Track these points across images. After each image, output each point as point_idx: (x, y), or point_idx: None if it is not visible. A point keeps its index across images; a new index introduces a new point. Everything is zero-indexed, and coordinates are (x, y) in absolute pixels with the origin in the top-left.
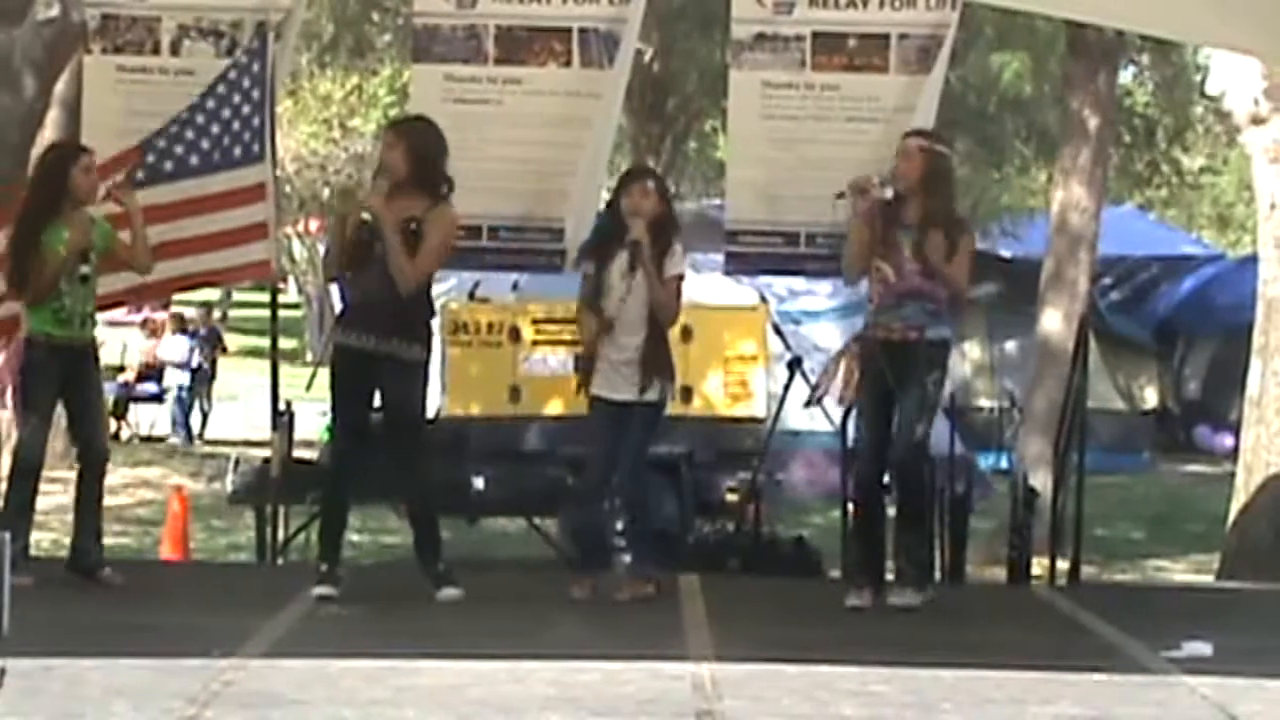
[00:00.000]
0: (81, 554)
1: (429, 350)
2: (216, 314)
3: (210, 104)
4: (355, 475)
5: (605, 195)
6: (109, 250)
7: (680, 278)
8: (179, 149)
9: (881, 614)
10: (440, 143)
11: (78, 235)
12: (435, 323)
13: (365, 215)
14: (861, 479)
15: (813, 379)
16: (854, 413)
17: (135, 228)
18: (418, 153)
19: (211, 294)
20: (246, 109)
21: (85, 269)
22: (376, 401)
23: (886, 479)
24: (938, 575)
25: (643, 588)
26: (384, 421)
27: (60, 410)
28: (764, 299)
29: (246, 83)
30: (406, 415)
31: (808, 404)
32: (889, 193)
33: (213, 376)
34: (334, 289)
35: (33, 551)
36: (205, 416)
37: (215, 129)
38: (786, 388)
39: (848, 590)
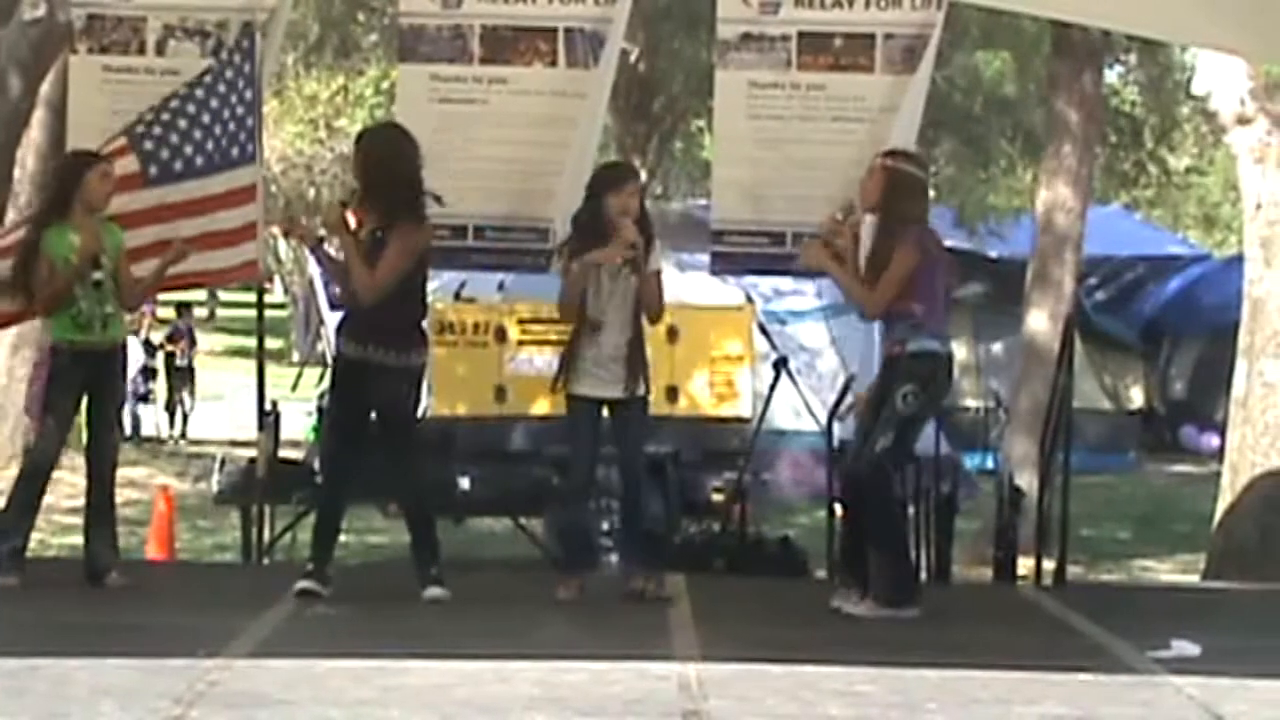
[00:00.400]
0: (90, 558)
1: (423, 355)
2: (204, 312)
3: (213, 103)
4: (350, 478)
5: None
6: (119, 254)
7: (659, 272)
8: (188, 149)
9: (867, 615)
10: (395, 148)
11: (89, 241)
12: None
13: (320, 233)
14: (847, 480)
15: (799, 379)
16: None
17: (154, 275)
18: (368, 162)
19: (197, 294)
20: (240, 109)
21: (98, 275)
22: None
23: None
24: (924, 576)
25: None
26: (377, 424)
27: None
28: (750, 299)
29: (240, 83)
30: (400, 419)
31: (841, 418)
32: (866, 219)
33: (191, 376)
34: (319, 291)
35: None
36: (186, 416)
37: (217, 129)
38: (772, 388)
39: (833, 591)
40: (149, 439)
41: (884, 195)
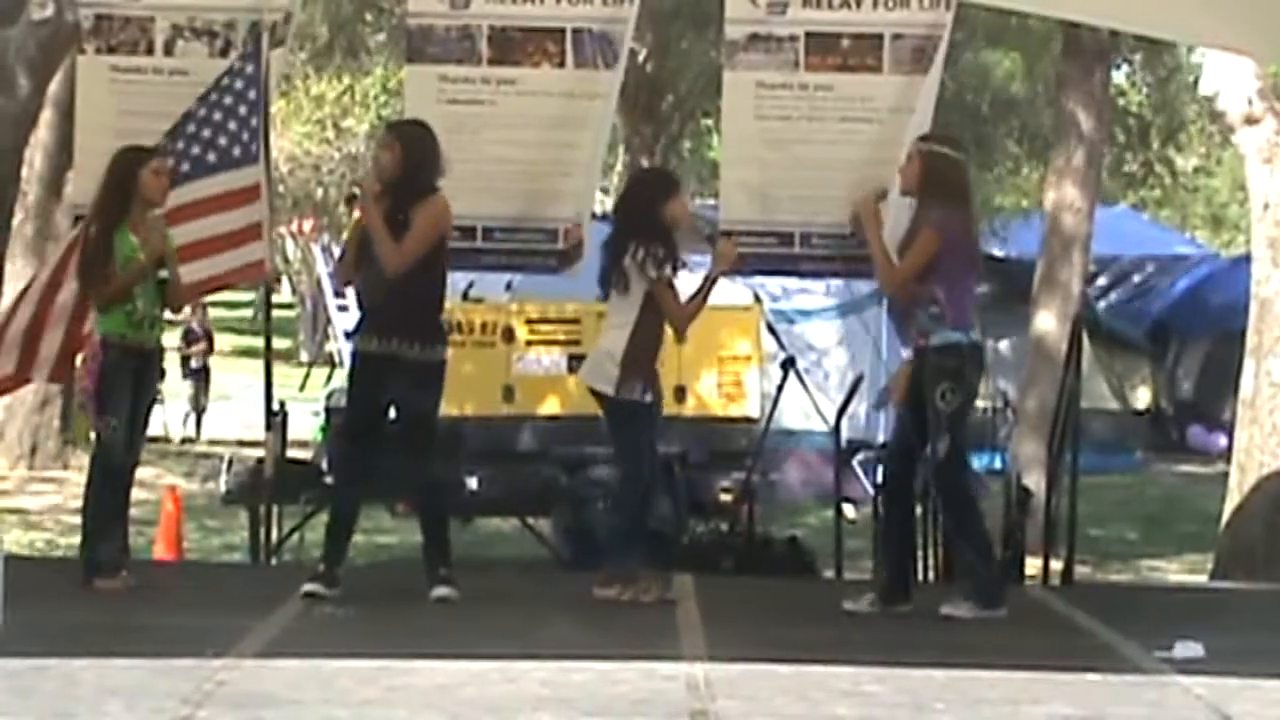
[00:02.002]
0: None
1: (444, 350)
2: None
3: (208, 107)
4: (366, 478)
5: (600, 195)
6: (172, 256)
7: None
8: (195, 149)
9: (875, 614)
10: (431, 150)
11: (156, 241)
12: None
13: (356, 190)
14: (882, 479)
15: (807, 378)
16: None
17: (171, 268)
18: (410, 157)
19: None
20: (244, 109)
21: (163, 273)
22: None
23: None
24: (931, 576)
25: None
26: (397, 422)
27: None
28: (758, 298)
29: (239, 84)
30: (419, 413)
31: (877, 406)
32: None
33: (206, 377)
34: (327, 292)
35: (26, 552)
36: (200, 416)
37: (222, 129)
38: (780, 387)
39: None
40: (155, 439)
41: (921, 180)
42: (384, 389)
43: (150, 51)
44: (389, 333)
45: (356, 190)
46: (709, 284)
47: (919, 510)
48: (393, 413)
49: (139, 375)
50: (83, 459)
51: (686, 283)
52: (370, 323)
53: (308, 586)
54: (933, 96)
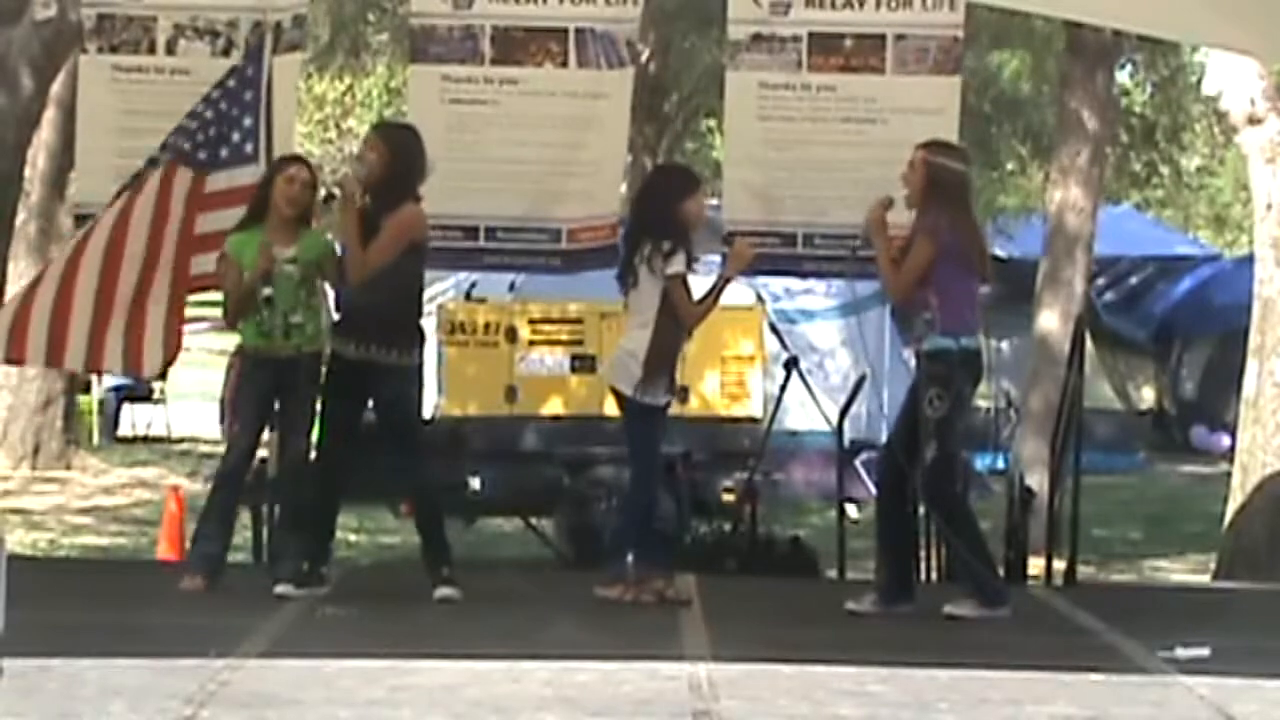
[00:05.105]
0: (273, 561)
1: (421, 354)
2: None
3: (210, 106)
4: (344, 477)
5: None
6: (319, 264)
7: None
8: (195, 149)
9: (878, 615)
10: (414, 156)
11: (262, 256)
12: (431, 323)
13: (334, 190)
14: (882, 479)
15: (810, 379)
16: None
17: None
18: (395, 163)
19: None
20: (245, 110)
21: (267, 290)
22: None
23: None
24: (933, 576)
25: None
26: (379, 425)
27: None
28: (760, 299)
29: (241, 84)
30: (405, 419)
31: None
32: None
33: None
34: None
35: (30, 552)
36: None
37: (215, 130)
38: (783, 388)
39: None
40: (158, 439)
41: (925, 190)
42: (359, 393)
43: (152, 51)
44: (370, 339)
45: (336, 190)
46: (722, 284)
47: (920, 510)
48: (376, 418)
49: (279, 385)
50: (86, 459)
51: (697, 284)
52: (350, 326)
53: (280, 588)
54: (956, 97)
